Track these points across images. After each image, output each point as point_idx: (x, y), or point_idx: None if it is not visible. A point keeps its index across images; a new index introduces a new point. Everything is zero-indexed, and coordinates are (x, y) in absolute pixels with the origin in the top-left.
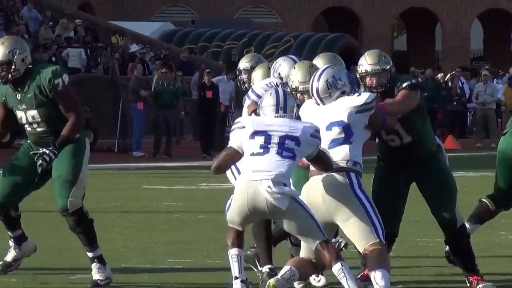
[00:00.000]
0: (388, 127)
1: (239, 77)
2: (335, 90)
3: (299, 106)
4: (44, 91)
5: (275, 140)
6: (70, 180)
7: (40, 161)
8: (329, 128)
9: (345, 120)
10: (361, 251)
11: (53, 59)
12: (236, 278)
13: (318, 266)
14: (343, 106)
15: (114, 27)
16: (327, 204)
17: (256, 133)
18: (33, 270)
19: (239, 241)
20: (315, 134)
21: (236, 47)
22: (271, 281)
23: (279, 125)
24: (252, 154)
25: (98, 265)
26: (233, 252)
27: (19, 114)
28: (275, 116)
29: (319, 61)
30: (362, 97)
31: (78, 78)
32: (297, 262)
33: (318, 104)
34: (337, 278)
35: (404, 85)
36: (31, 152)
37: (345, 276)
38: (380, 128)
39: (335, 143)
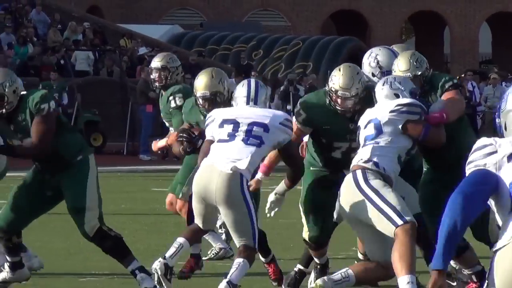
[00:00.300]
0: (432, 140)
1: (150, 76)
2: (388, 88)
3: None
4: (32, 115)
5: (243, 127)
6: (79, 208)
7: None
8: (366, 126)
9: (378, 117)
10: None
11: (62, 61)
12: (164, 258)
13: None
14: (382, 106)
15: (122, 30)
16: (344, 207)
17: (225, 121)
18: (42, 273)
19: (191, 235)
20: (284, 122)
21: (245, 50)
22: (318, 281)
23: (248, 113)
24: (219, 141)
25: (142, 274)
26: (180, 240)
27: (16, 143)
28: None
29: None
30: (400, 99)
31: (87, 81)
32: (357, 265)
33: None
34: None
35: (447, 86)
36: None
37: (237, 268)
38: (421, 139)
39: (365, 142)
